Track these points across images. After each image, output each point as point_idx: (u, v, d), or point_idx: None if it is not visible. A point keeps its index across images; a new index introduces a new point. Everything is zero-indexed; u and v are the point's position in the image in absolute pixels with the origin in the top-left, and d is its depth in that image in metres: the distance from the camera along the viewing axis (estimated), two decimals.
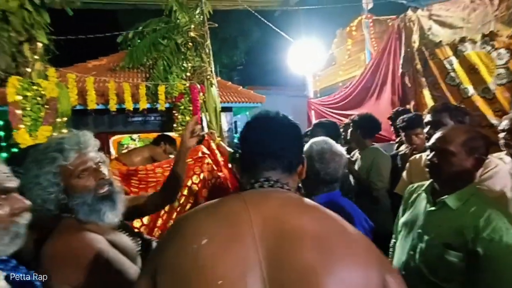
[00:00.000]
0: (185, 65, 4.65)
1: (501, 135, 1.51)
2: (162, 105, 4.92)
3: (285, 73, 8.15)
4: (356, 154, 2.46)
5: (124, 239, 0.97)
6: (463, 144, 1.07)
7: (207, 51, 4.22)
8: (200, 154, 2.07)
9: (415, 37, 3.33)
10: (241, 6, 5.69)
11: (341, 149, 1.30)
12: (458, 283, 1.00)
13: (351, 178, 2.22)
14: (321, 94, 7.08)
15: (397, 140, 2.93)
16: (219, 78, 6.34)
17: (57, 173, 0.87)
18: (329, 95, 5.62)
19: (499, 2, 2.36)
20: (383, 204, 2.13)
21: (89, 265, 0.79)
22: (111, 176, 0.97)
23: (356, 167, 2.28)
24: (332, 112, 5.22)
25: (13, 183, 0.65)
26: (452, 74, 2.90)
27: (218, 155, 2.15)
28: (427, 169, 1.16)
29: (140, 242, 1.06)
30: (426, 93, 3.24)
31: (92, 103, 4.68)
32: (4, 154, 3.78)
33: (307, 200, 0.65)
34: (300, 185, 1.33)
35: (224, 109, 6.04)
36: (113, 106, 4.78)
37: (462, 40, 2.70)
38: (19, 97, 3.35)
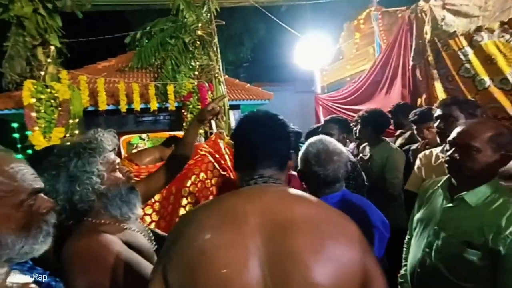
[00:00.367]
0: (193, 63, 4.67)
1: None
2: (172, 104, 4.97)
3: (292, 69, 8.09)
4: (366, 149, 2.43)
5: (140, 238, 1.00)
6: (489, 139, 1.00)
7: (215, 49, 4.23)
8: (201, 153, 2.06)
9: (427, 28, 3.23)
10: (247, 3, 5.65)
11: (340, 146, 1.27)
12: (478, 282, 0.96)
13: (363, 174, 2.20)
14: (328, 89, 6.99)
15: (396, 133, 2.88)
16: (226, 76, 6.35)
17: (103, 164, 0.94)
18: (337, 90, 5.55)
19: None
20: (398, 200, 2.10)
21: (108, 267, 0.81)
22: None
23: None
24: (340, 108, 5.16)
25: (41, 183, 0.68)
26: (467, 65, 2.81)
27: (227, 155, 2.13)
28: (446, 165, 1.11)
29: (154, 239, 1.07)
30: (438, 85, 3.15)
31: (103, 104, 4.76)
32: (20, 156, 3.89)
33: (297, 191, 0.72)
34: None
35: (232, 107, 6.06)
36: (123, 106, 4.86)
37: (478, 29, 2.60)
38: (34, 100, 3.45)
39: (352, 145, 2.94)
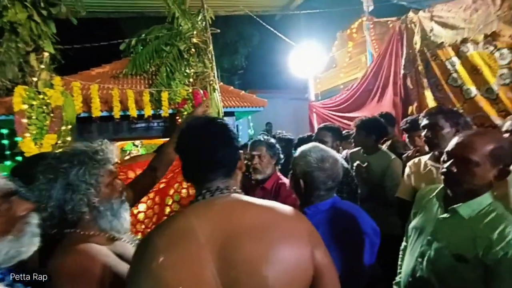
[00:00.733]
0: (188, 71, 4.69)
1: (505, 135, 1.52)
2: (165, 111, 4.97)
3: (286, 77, 8.19)
4: (359, 155, 2.44)
5: (128, 249, 0.97)
6: (489, 153, 0.96)
7: (210, 56, 4.26)
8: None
9: (417, 38, 3.34)
10: (242, 11, 5.74)
11: (337, 154, 1.28)
12: None
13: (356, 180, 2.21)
14: (322, 96, 7.08)
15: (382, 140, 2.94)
16: (221, 83, 6.39)
17: (103, 176, 0.93)
18: (331, 98, 5.63)
19: (501, 1, 2.36)
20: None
21: (99, 281, 0.79)
22: None
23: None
24: (333, 115, 5.22)
25: (12, 186, 0.67)
26: (455, 75, 2.90)
27: None
28: (442, 177, 1.07)
29: None
30: (428, 94, 3.24)
31: (97, 111, 4.73)
32: (8, 162, 3.83)
33: (245, 198, 0.72)
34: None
35: (227, 114, 6.08)
36: (117, 113, 4.83)
37: (464, 40, 2.70)
38: (25, 106, 3.41)
39: (344, 152, 2.98)
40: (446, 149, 1.07)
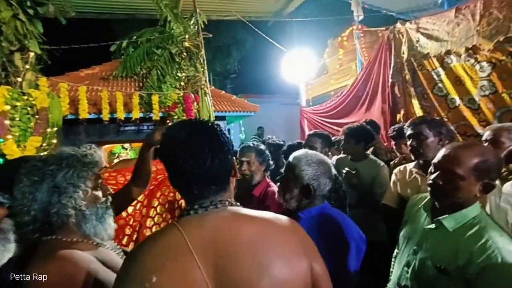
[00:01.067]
0: (179, 74, 4.67)
1: (485, 145, 1.57)
2: (156, 114, 4.91)
3: (278, 82, 8.26)
4: (347, 161, 2.47)
5: (114, 256, 0.96)
6: (474, 167, 0.95)
7: (202, 60, 4.25)
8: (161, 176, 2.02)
9: (404, 48, 3.43)
10: (234, 17, 5.77)
11: (328, 159, 1.31)
12: None
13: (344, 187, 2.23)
14: (313, 102, 7.17)
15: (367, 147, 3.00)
16: (212, 87, 6.38)
17: (91, 180, 0.92)
18: (321, 104, 5.70)
19: (480, 18, 2.47)
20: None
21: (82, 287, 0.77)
22: None
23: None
24: (324, 121, 5.28)
25: None
26: (440, 84, 3.00)
27: None
28: (428, 188, 1.08)
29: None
30: (415, 102, 3.32)
31: (84, 113, 4.64)
32: None
33: (241, 211, 0.69)
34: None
35: (218, 118, 6.06)
36: (106, 115, 4.75)
37: (448, 52, 2.80)
38: (8, 107, 3.30)
39: (334, 158, 3.01)
40: (433, 161, 1.07)
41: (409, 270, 1.08)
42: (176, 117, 4.70)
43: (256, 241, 0.63)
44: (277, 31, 7.39)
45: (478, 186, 0.96)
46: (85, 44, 4.86)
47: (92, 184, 0.92)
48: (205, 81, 4.07)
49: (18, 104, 3.37)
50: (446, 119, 2.93)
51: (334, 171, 1.31)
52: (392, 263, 1.31)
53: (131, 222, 1.75)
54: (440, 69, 2.94)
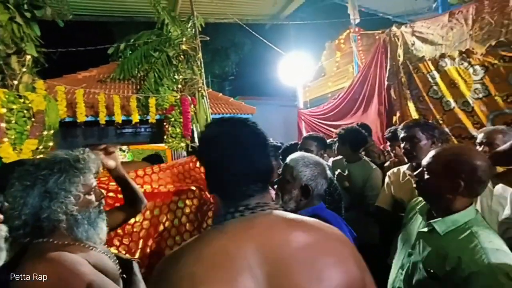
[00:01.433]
0: (176, 77, 4.68)
1: (478, 148, 1.59)
2: (152, 117, 4.91)
3: (276, 84, 8.29)
4: (343, 164, 2.49)
5: (106, 260, 0.96)
6: (446, 165, 0.99)
7: (199, 63, 4.27)
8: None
9: (400, 52, 3.46)
10: (232, 20, 5.80)
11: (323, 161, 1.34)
12: None
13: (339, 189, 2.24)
14: (311, 104, 7.20)
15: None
16: (210, 90, 6.40)
17: (84, 185, 0.92)
18: (319, 106, 5.72)
19: (473, 22, 2.50)
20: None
21: None
22: None
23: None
24: (321, 123, 5.30)
25: None
26: (435, 87, 3.02)
27: None
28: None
29: (117, 262, 1.02)
30: (411, 105, 3.34)
31: (82, 116, 4.63)
32: None
33: (288, 216, 0.64)
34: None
35: None
36: (103, 119, 4.74)
37: (442, 56, 2.82)
38: (4, 110, 3.29)
39: (331, 160, 3.03)
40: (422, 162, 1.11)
41: (403, 273, 1.09)
42: (173, 119, 4.71)
43: (310, 248, 0.58)
44: (275, 34, 7.44)
45: (453, 186, 0.97)
46: (82, 47, 4.87)
47: (85, 189, 0.92)
48: (202, 83, 4.09)
49: (14, 107, 3.36)
50: (441, 122, 2.96)
51: (329, 172, 1.34)
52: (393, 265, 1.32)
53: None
54: (435, 72, 2.97)
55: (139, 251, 1.75)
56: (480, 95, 2.52)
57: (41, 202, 0.85)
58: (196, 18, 4.46)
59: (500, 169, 1.25)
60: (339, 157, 2.55)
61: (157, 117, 4.95)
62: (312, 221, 0.65)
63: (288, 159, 1.32)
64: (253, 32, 5.67)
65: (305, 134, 4.84)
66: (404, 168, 1.81)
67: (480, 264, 0.86)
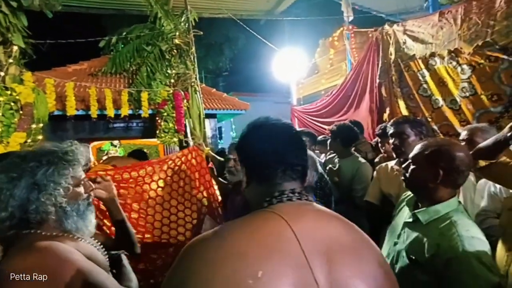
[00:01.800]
0: (169, 71, 4.62)
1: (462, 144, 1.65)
2: (145, 111, 4.86)
3: (270, 80, 8.29)
4: (335, 161, 2.54)
5: (95, 251, 0.96)
6: (426, 156, 1.06)
7: (192, 58, 4.23)
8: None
9: (392, 50, 3.51)
10: (226, 15, 5.76)
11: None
12: None
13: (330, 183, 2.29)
14: (304, 101, 7.24)
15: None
16: (203, 85, 6.36)
17: (73, 178, 0.92)
18: (312, 103, 5.76)
19: (461, 22, 2.56)
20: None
21: (65, 280, 0.76)
22: None
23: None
24: (313, 120, 5.35)
25: None
26: (425, 85, 3.08)
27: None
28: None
29: (106, 255, 1.02)
30: (401, 103, 3.41)
31: (72, 109, 4.54)
32: None
33: (327, 210, 0.65)
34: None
35: (208, 116, 6.04)
36: (94, 113, 4.67)
37: (432, 54, 2.88)
38: None
39: (322, 156, 3.07)
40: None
41: (388, 261, 1.12)
42: (165, 114, 4.66)
43: (353, 242, 0.59)
44: (269, 30, 7.42)
45: (433, 174, 1.03)
46: (72, 39, 4.76)
47: (74, 181, 0.93)
48: (196, 78, 4.06)
49: (1, 99, 3.28)
50: (430, 119, 3.03)
51: (320, 166, 1.37)
52: None
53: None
54: (425, 71, 3.03)
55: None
56: (467, 94, 2.60)
57: (29, 194, 0.84)
58: (189, 13, 4.41)
59: (482, 163, 1.29)
60: (332, 155, 2.59)
61: (150, 111, 4.89)
62: (343, 218, 0.66)
63: None
64: (248, 28, 5.65)
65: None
66: (392, 163, 1.86)
67: (456, 250, 0.91)
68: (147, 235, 1.87)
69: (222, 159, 2.55)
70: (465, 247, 0.90)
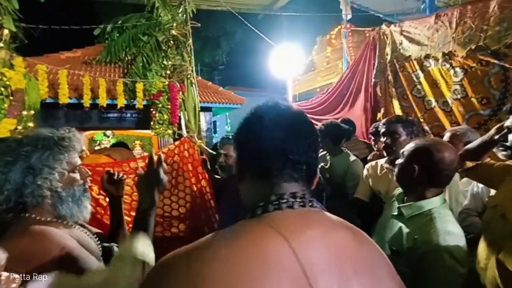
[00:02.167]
0: (165, 62, 4.57)
1: None
2: (140, 102, 4.80)
3: (266, 76, 8.27)
4: (327, 158, 2.59)
5: (88, 239, 0.97)
6: (411, 153, 1.12)
7: (189, 50, 4.19)
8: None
9: (388, 50, 3.55)
10: (224, 7, 5.70)
11: None
12: None
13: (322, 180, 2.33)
14: (300, 98, 7.26)
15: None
16: (199, 78, 6.30)
17: (68, 163, 0.92)
18: (307, 100, 5.79)
19: (456, 26, 2.61)
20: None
21: (56, 264, 0.77)
22: None
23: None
24: (309, 117, 5.37)
25: None
26: (418, 86, 3.14)
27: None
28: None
29: (99, 245, 1.03)
30: (396, 102, 3.46)
31: (65, 97, 4.46)
32: None
33: (334, 218, 0.56)
34: None
35: (204, 109, 6.01)
36: (87, 101, 4.59)
37: (427, 56, 2.93)
38: None
39: None
40: None
41: None
42: (160, 105, 4.63)
43: (370, 260, 0.51)
44: (267, 25, 7.38)
45: (411, 170, 1.08)
46: (66, 26, 4.64)
47: (69, 167, 0.93)
48: (192, 71, 4.02)
49: None
50: (422, 120, 3.09)
51: None
52: None
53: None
54: (419, 72, 3.09)
55: None
56: (459, 96, 2.66)
57: (24, 178, 0.85)
58: (187, 4, 4.35)
59: (469, 164, 1.35)
60: (324, 152, 2.64)
61: (144, 102, 4.84)
62: (355, 229, 0.57)
63: None
64: (246, 22, 5.61)
65: None
66: (382, 161, 1.90)
67: (431, 244, 0.97)
68: None
69: (214, 152, 2.56)
70: (440, 242, 0.96)
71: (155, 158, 0.99)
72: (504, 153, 1.24)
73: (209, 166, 2.46)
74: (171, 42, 4.46)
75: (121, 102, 4.73)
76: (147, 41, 4.59)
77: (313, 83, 7.88)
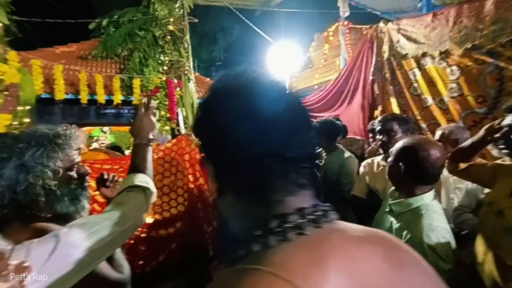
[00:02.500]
0: (162, 58, 4.54)
1: None
2: (137, 98, 4.78)
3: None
4: (322, 155, 2.60)
5: None
6: (397, 151, 1.16)
7: (186, 45, 4.16)
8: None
9: (385, 48, 3.55)
10: (222, 3, 5.66)
11: None
12: None
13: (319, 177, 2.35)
14: None
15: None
16: (197, 74, 6.28)
17: (63, 161, 0.91)
18: (305, 97, 5.79)
19: (453, 24, 2.63)
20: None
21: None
22: None
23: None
24: None
25: None
26: (415, 84, 3.16)
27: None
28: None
29: None
30: (393, 100, 3.48)
31: (61, 93, 4.42)
32: None
33: (362, 231, 0.42)
34: None
35: None
36: (84, 98, 4.56)
37: (424, 54, 2.95)
38: None
39: None
40: None
41: None
42: (158, 101, 4.61)
43: (414, 280, 0.38)
44: (265, 22, 7.34)
45: (397, 168, 1.11)
46: (60, 19, 4.57)
47: (65, 164, 0.92)
48: (189, 66, 4.00)
49: None
50: (419, 118, 3.12)
51: None
52: None
53: None
54: (416, 70, 3.10)
55: None
56: (455, 94, 2.69)
57: (18, 175, 0.85)
58: None
59: (462, 165, 1.36)
60: (319, 149, 2.66)
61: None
62: (383, 235, 0.44)
63: None
64: (243, 18, 5.57)
65: None
66: (378, 159, 1.92)
67: (415, 240, 1.00)
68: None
69: None
70: (423, 238, 0.99)
71: (144, 100, 0.99)
72: (505, 151, 1.22)
73: None
74: (168, 37, 4.43)
75: (118, 98, 4.70)
76: (143, 36, 4.56)
77: (310, 80, 7.89)
